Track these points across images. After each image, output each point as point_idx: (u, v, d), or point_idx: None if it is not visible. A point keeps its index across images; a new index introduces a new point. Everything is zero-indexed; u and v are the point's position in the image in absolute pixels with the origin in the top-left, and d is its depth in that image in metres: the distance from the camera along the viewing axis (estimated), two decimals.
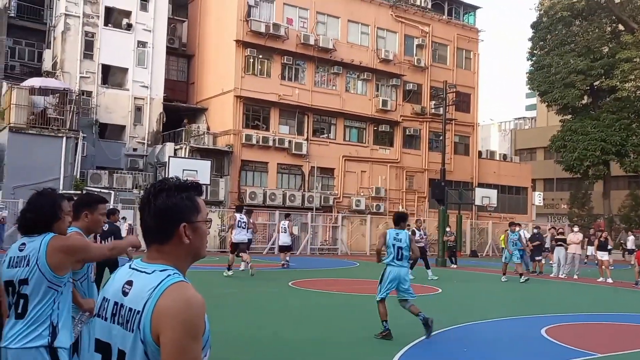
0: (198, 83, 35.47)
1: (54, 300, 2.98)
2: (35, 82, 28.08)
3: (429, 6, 39.70)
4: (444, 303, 13.09)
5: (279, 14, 33.18)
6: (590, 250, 25.14)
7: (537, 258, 22.11)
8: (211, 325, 1.78)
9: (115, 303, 1.76)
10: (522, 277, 18.32)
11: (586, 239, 24.48)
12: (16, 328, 2.94)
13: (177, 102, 34.67)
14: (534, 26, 44.17)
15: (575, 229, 21.87)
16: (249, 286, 15.05)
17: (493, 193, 32.79)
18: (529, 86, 45.09)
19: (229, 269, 16.32)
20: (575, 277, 20.33)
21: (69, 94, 28.04)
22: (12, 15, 33.93)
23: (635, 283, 18.76)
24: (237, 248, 16.65)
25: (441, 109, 29.52)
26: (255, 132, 32.05)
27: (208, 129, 33.09)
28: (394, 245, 8.49)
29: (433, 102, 37.45)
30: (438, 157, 30.78)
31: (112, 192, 26.76)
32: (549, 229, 25.13)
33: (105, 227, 8.17)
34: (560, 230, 22.92)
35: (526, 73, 45.90)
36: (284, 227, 21.44)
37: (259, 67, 32.72)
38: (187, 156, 28.86)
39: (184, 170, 23.26)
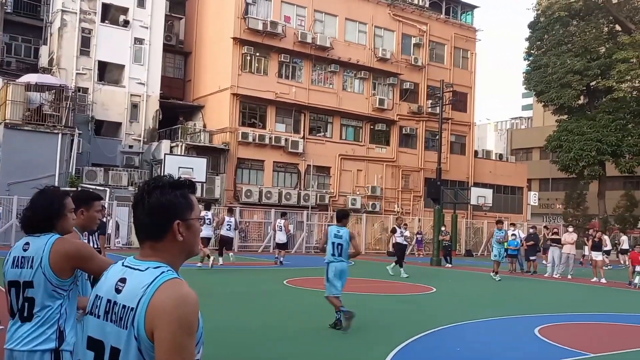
0: (195, 80, 35.41)
1: (60, 304, 2.93)
2: (31, 78, 27.96)
3: (427, 5, 39.73)
4: (439, 302, 13.13)
5: (277, 11, 33.15)
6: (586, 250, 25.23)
7: (531, 258, 22.18)
8: (204, 323, 1.79)
9: (109, 300, 1.76)
10: (496, 275, 18.72)
11: (583, 239, 24.57)
12: (22, 330, 2.89)
13: (174, 99, 34.61)
14: (531, 26, 44.23)
15: (570, 229, 21.94)
16: (244, 284, 15.06)
17: (489, 193, 32.84)
18: (525, 86, 45.15)
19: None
20: (569, 277, 20.41)
21: (65, 91, 27.92)
22: (9, 10, 33.83)
23: (629, 283, 18.84)
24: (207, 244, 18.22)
25: (438, 108, 29.55)
26: (252, 130, 32.03)
27: (204, 126, 33.05)
28: (333, 242, 8.87)
29: (430, 101, 37.51)
30: (434, 156, 30.82)
31: (108, 189, 26.72)
32: (546, 229, 25.21)
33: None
34: (555, 230, 23.00)
35: (523, 73, 46.00)
36: (280, 226, 21.61)
37: (256, 64, 32.69)
38: (183, 154, 28.81)
39: (180, 167, 23.24)
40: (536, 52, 43.92)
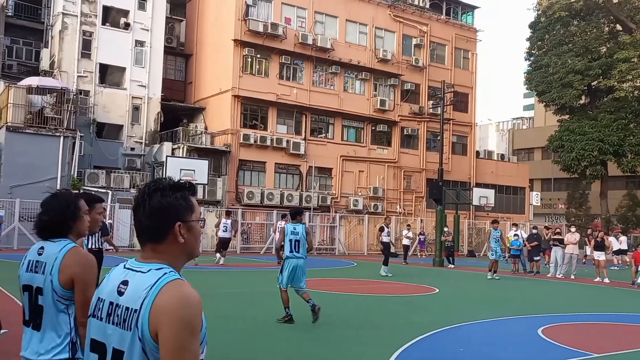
0: (196, 82, 35.43)
1: (69, 315, 2.86)
2: (32, 81, 28.03)
3: (427, 6, 39.73)
4: (441, 303, 13.10)
5: (277, 13, 33.17)
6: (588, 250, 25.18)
7: (535, 258, 22.14)
8: (207, 323, 1.79)
9: (111, 303, 1.77)
10: (493, 274, 19.05)
11: (585, 239, 24.53)
12: (36, 339, 2.85)
13: (175, 101, 34.64)
14: (532, 26, 44.19)
15: (573, 229, 21.90)
16: (246, 285, 15.05)
17: (490, 193, 32.82)
18: (526, 86, 45.09)
19: None
20: (572, 277, 20.37)
21: (66, 93, 27.98)
22: (10, 14, 33.88)
23: (632, 283, 18.79)
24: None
25: (439, 108, 29.53)
26: (253, 131, 32.04)
27: (206, 128, 33.07)
28: (290, 240, 9.28)
29: (431, 101, 37.50)
30: (436, 157, 30.80)
31: (110, 192, 26.75)
32: (546, 229, 25.17)
33: None
34: (558, 230, 22.96)
35: (524, 73, 45.95)
36: (280, 227, 21.72)
37: (257, 66, 32.71)
38: (184, 156, 28.83)
39: (181, 169, 23.23)
40: (537, 52, 43.87)
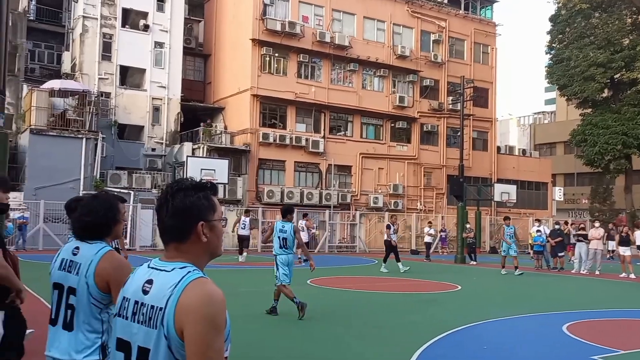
0: (215, 82, 35.62)
1: (102, 320, 2.85)
2: (54, 84, 28.43)
3: (446, 1, 39.44)
4: (464, 300, 13.00)
5: (295, 11, 33.19)
6: (612, 245, 24.81)
7: (559, 254, 21.88)
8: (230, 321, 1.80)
9: (136, 302, 1.80)
10: (518, 270, 19.29)
11: (606, 234, 24.17)
12: (65, 339, 2.84)
13: (195, 101, 34.85)
14: (552, 19, 43.60)
15: (597, 224, 21.59)
16: (268, 284, 15.09)
17: (512, 189, 32.46)
18: (548, 80, 44.54)
19: None
20: (597, 272, 20.09)
21: (88, 96, 28.34)
22: (32, 18, 34.39)
23: None
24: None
25: (459, 104, 29.31)
26: (272, 130, 32.12)
27: (225, 128, 33.23)
28: (279, 237, 9.74)
29: (450, 97, 37.21)
30: (456, 153, 30.60)
31: (132, 192, 27.01)
32: (570, 225, 24.85)
33: None
34: (582, 225, 22.66)
35: (545, 67, 45.37)
36: (302, 226, 22.06)
37: (275, 65, 32.77)
38: (205, 156, 29.00)
39: (202, 169, 23.38)
40: (558, 46, 43.28)
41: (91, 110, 28.12)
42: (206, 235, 1.84)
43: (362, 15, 35.36)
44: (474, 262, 24.37)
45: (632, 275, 19.13)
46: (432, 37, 37.99)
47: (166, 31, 32.73)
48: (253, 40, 31.76)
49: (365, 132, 35.61)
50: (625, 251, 19.84)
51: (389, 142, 36.03)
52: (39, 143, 26.28)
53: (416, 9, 37.27)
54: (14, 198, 23.24)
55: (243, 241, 21.96)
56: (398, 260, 19.16)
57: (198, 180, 1.93)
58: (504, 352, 7.73)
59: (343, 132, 34.90)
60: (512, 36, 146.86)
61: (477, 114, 38.65)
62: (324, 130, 33.85)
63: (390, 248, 19.41)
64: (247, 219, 21.90)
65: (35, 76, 33.36)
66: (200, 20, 37.15)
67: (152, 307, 1.74)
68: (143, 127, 32.30)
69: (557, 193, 44.18)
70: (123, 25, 32.05)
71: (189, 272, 1.76)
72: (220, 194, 27.08)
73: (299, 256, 22.62)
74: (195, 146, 30.56)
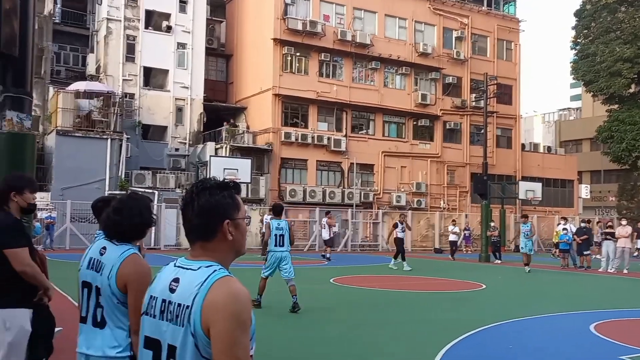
0: (237, 82, 35.81)
1: (127, 318, 2.88)
2: (80, 86, 28.87)
3: None
4: (489, 299, 12.88)
5: (316, 11, 33.20)
6: None
7: (585, 252, 21.56)
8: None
9: (163, 300, 1.83)
10: (527, 267, 19.46)
11: (635, 233, 23.75)
12: (97, 336, 2.89)
13: (217, 102, 35.09)
14: (577, 14, 42.95)
15: (624, 222, 21.23)
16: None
17: (537, 186, 32.04)
18: (573, 76, 43.90)
19: None
20: (625, 271, 19.74)
21: (112, 97, 28.72)
22: (57, 21, 34.97)
23: None
24: None
25: (482, 101, 29.03)
26: (294, 129, 32.18)
27: (247, 127, 33.39)
28: (276, 234, 10.15)
29: (474, 94, 36.89)
30: (480, 150, 30.31)
31: (156, 192, 27.29)
32: (597, 223, 24.48)
33: None
34: (609, 224, 22.29)
35: (570, 62, 44.75)
36: (324, 224, 22.25)
37: (297, 64, 32.83)
38: (227, 155, 29.18)
39: (225, 169, 23.50)
40: (583, 41, 42.61)
41: (116, 111, 28.50)
42: (231, 234, 1.86)
43: (383, 13, 35.22)
44: (499, 261, 24.14)
45: None
46: (455, 34, 37.68)
47: (188, 32, 33.00)
48: (274, 39, 31.85)
49: (387, 130, 35.47)
50: None
51: (412, 140, 35.85)
52: (65, 144, 26.70)
53: (438, 6, 37.01)
54: (42, 198, 23.67)
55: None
56: (403, 259, 19.37)
57: (221, 180, 1.94)
58: (530, 351, 7.63)
59: (365, 131, 34.81)
60: (536, 32, 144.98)
61: (500, 111, 38.25)
62: (346, 128, 33.81)
63: (401, 245, 19.69)
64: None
65: (61, 78, 33.91)
66: (222, 21, 37.37)
67: (179, 305, 1.76)
68: (166, 127, 32.62)
69: (584, 191, 43.53)
70: (146, 27, 32.40)
71: (215, 270, 1.78)
72: (243, 193, 27.24)
73: (328, 254, 22.77)
74: (218, 146, 30.77)
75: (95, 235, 3.20)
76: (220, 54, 37.06)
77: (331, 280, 15.20)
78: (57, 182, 26.31)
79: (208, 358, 1.71)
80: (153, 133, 32.75)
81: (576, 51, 43.35)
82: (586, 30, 42.61)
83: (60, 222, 24.95)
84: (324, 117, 33.58)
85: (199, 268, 1.80)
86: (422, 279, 16.73)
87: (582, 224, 23.29)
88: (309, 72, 32.99)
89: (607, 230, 21.01)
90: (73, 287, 4.02)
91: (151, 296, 1.89)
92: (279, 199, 30.98)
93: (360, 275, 17.19)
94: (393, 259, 19.64)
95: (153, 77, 32.92)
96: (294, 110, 32.98)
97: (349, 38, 33.39)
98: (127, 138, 28.78)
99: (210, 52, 35.28)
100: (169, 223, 26.63)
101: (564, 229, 22.39)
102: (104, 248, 2.98)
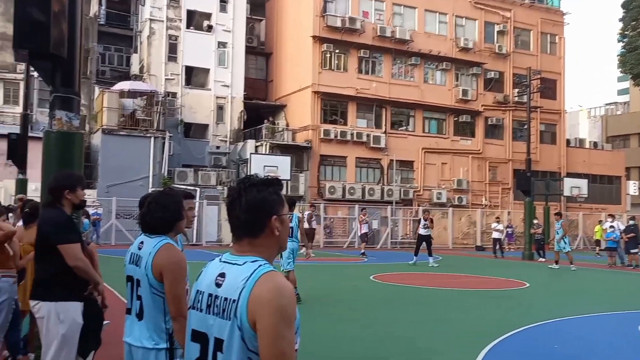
0: (276, 80, 36.02)
1: (164, 310, 3.01)
2: (124, 85, 29.54)
3: None
4: (533, 297, 12.64)
5: (355, 7, 33.10)
6: None
7: (632, 251, 20.92)
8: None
9: (210, 295, 1.87)
10: (556, 264, 19.67)
11: None
12: (137, 327, 3.05)
13: (257, 100, 35.37)
14: (624, 5, 41.67)
15: None
16: (331, 279, 15.16)
17: (583, 183, 31.29)
18: (620, 69, 42.65)
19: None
20: None
21: (155, 96, 29.31)
22: (102, 22, 35.83)
23: None
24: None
25: (525, 96, 28.47)
26: (333, 126, 32.18)
27: (287, 125, 33.57)
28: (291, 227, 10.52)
29: (516, 89, 36.18)
30: (523, 146, 29.76)
31: (198, 189, 27.71)
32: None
33: None
34: None
35: (617, 55, 43.44)
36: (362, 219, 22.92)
37: (336, 61, 32.80)
38: (267, 153, 29.41)
39: (265, 166, 23.73)
40: (631, 33, 41.34)
41: (159, 110, 29.06)
42: (278, 229, 1.89)
43: (423, 9, 34.86)
44: (543, 259, 23.63)
45: None
46: (497, 28, 37.03)
47: (229, 31, 33.35)
48: (314, 37, 31.90)
49: (427, 126, 35.13)
50: None
51: (452, 137, 35.41)
52: (110, 142, 27.37)
53: (479, 0, 36.41)
54: (88, 195, 24.30)
55: (309, 235, 22.73)
56: (416, 253, 19.60)
57: (265, 177, 1.98)
58: (576, 351, 7.46)
59: (405, 127, 34.56)
60: (581, 25, 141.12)
61: (544, 106, 37.42)
62: (385, 125, 33.63)
63: (422, 240, 19.85)
64: (307, 213, 22.97)
65: (106, 78, 34.75)
66: (261, 19, 37.63)
67: (226, 299, 1.80)
68: (208, 125, 33.07)
69: (632, 187, 42.24)
70: (188, 27, 32.90)
71: (260, 265, 1.82)
72: (283, 191, 27.42)
73: (362, 251, 22.82)
74: (258, 143, 31.03)
75: (140, 232, 3.34)
76: (260, 52, 37.33)
77: (371, 277, 15.17)
78: (103, 179, 26.99)
79: (254, 351, 1.74)
80: (195, 131, 33.25)
81: (624, 44, 42.11)
82: (634, 22, 41.32)
83: (105, 218, 25.59)
84: (363, 114, 33.48)
85: (244, 263, 1.84)
86: (463, 277, 16.53)
87: (630, 222, 22.62)
88: (348, 68, 32.93)
89: None
90: (119, 281, 4.14)
91: (198, 290, 1.93)
92: (318, 196, 31.08)
93: (400, 273, 17.10)
94: (428, 256, 19.60)
95: (194, 76, 33.41)
96: (333, 107, 32.99)
97: (388, 34, 33.18)
98: (170, 136, 29.31)
99: (250, 50, 35.57)
100: (210, 220, 27.02)
101: (610, 226, 21.78)
102: (142, 242, 3.17)
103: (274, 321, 1.71)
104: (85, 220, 20.93)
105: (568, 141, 40.61)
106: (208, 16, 33.14)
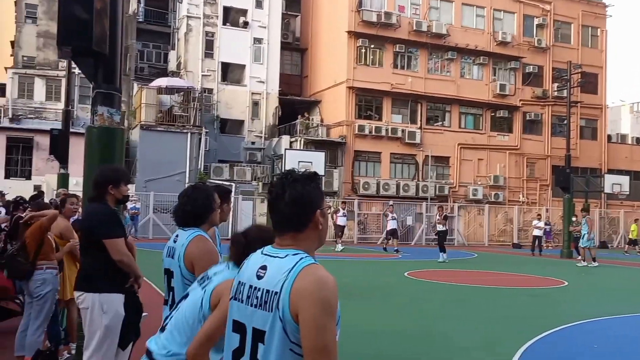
0: (311, 76, 36.06)
1: None
2: (162, 82, 30.01)
3: None
4: (571, 296, 12.40)
5: (391, 2, 32.86)
6: None
7: None
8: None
9: (251, 286, 1.89)
10: (583, 262, 19.59)
11: None
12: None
13: (292, 95, 35.48)
14: None
15: None
16: (366, 275, 15.15)
17: (625, 179, 30.48)
18: None
19: None
20: None
21: (192, 92, 29.70)
22: (140, 20, 36.45)
23: None
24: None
25: (565, 91, 27.86)
26: (368, 122, 32.06)
27: (322, 120, 33.58)
28: None
29: (556, 84, 35.42)
30: (562, 142, 29.15)
31: (233, 184, 27.96)
32: None
33: None
34: None
35: None
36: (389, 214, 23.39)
37: (371, 57, 32.65)
38: (302, 148, 29.48)
39: (299, 162, 23.77)
40: None
41: (195, 106, 29.44)
42: (321, 223, 1.92)
43: (460, 2, 34.38)
44: (581, 258, 23.10)
45: None
46: (536, 21, 36.28)
47: (264, 27, 33.52)
48: (349, 32, 31.80)
49: (463, 122, 34.70)
50: None
51: (489, 132, 34.90)
52: (148, 138, 27.85)
53: None
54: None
55: (339, 229, 23.47)
56: (443, 250, 19.61)
57: (304, 172, 1.99)
58: (616, 351, 7.29)
59: (440, 123, 34.20)
60: (624, 17, 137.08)
61: (585, 101, 36.53)
62: (421, 120, 33.34)
63: (441, 237, 20.03)
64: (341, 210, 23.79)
65: (144, 75, 35.35)
66: (297, 15, 37.69)
67: (267, 291, 1.82)
68: (243, 121, 33.33)
69: None
70: (224, 23, 33.19)
71: (302, 258, 1.83)
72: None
73: (395, 247, 22.71)
74: (293, 139, 31.13)
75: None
76: (295, 48, 37.41)
77: (405, 274, 15.09)
78: (141, 174, 27.50)
79: (296, 343, 1.76)
80: (230, 127, 33.56)
81: None
82: None
83: (143, 212, 26.07)
84: (398, 109, 33.26)
85: (286, 256, 1.85)
86: (500, 275, 16.31)
87: None
88: (384, 64, 32.74)
89: None
90: (156, 274, 4.22)
91: (239, 282, 1.96)
92: (352, 191, 31.05)
93: (435, 270, 16.97)
94: (440, 252, 19.57)
95: (230, 72, 33.70)
96: (367, 102, 32.86)
97: (424, 29, 32.85)
98: (206, 132, 29.67)
99: (285, 46, 35.68)
100: (245, 214, 27.26)
101: None
102: (177, 236, 3.29)
103: (315, 313, 1.73)
104: (127, 215, 21.37)
105: (609, 137, 39.58)
106: (244, 12, 33.38)
